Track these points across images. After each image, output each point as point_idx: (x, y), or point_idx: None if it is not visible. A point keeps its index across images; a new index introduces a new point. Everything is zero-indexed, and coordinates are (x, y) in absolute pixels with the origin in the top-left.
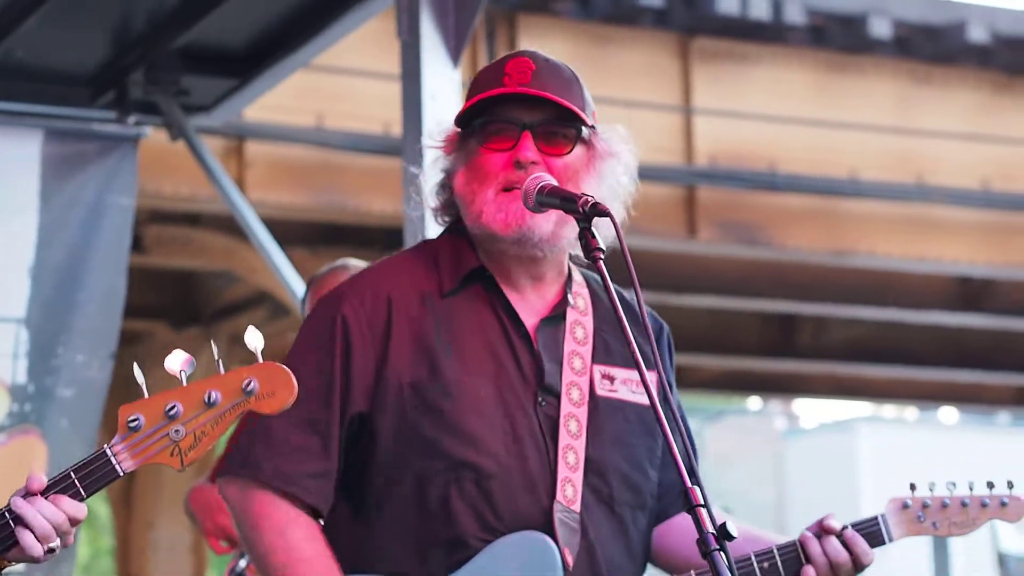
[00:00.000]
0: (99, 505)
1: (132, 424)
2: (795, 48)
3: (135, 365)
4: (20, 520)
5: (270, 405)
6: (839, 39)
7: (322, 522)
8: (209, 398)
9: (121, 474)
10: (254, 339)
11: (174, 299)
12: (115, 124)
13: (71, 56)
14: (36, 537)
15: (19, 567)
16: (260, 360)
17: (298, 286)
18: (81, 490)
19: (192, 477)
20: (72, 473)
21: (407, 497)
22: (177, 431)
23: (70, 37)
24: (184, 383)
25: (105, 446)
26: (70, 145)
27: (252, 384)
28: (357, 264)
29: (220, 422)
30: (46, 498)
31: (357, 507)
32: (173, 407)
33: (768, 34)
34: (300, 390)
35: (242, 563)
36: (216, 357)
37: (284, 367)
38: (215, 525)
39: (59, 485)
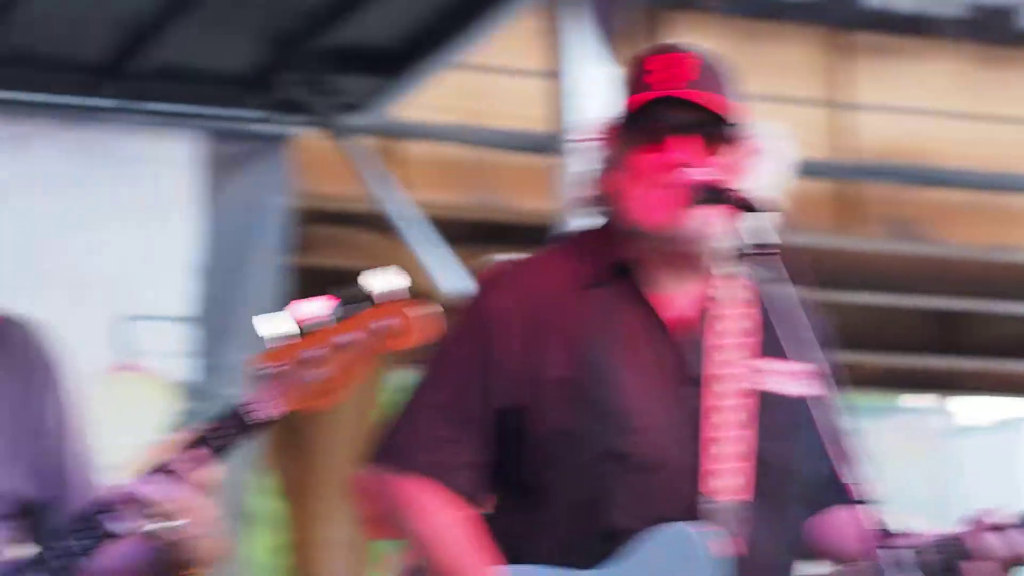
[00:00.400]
0: (271, 502)
1: (266, 373)
2: (947, 41)
3: (255, 319)
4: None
5: (401, 342)
6: (992, 31)
7: (480, 511)
8: (340, 340)
9: (270, 418)
10: (377, 280)
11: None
12: (270, 124)
13: (225, 57)
14: (159, 513)
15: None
16: (385, 301)
17: (455, 285)
18: (215, 447)
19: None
20: (205, 432)
21: (559, 489)
22: (314, 374)
23: (224, 38)
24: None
25: (235, 401)
26: (227, 146)
27: (384, 322)
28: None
29: (357, 362)
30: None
31: (513, 498)
32: (308, 352)
33: (919, 27)
34: (447, 383)
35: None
36: (351, 299)
37: (415, 304)
38: (373, 516)
39: (192, 447)
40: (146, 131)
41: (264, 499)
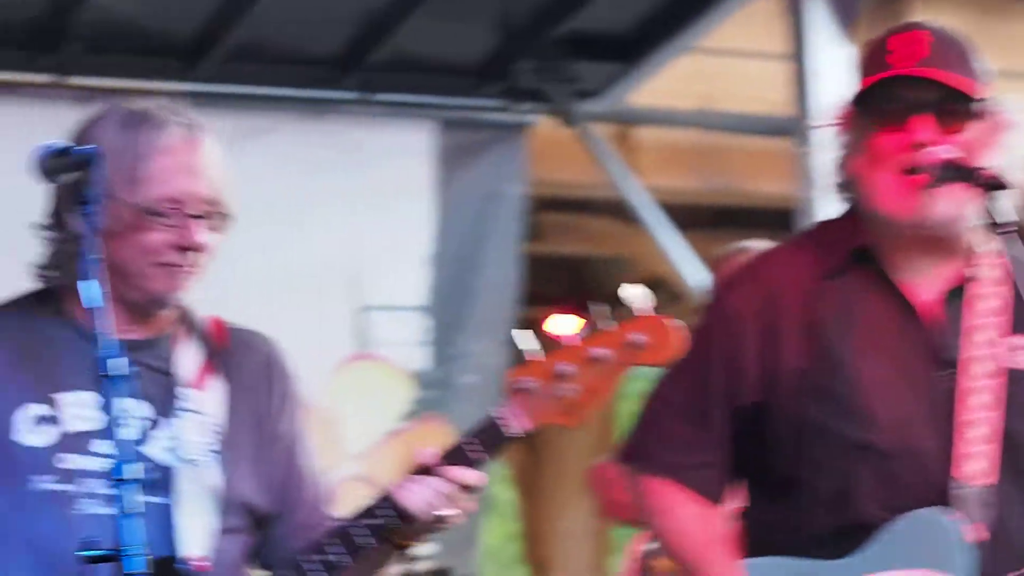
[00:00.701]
0: (505, 491)
1: (522, 386)
2: None
3: (515, 331)
4: (403, 491)
5: (654, 357)
6: None
7: (723, 509)
8: (595, 354)
9: (512, 435)
10: (635, 295)
11: (569, 286)
12: (505, 112)
13: (460, 47)
14: (422, 508)
15: (427, 549)
16: (638, 316)
17: (692, 270)
18: (470, 456)
19: (591, 457)
20: (463, 441)
21: (805, 482)
22: (566, 389)
23: (458, 28)
24: (572, 344)
25: (493, 410)
26: (462, 135)
27: (636, 337)
28: (757, 246)
29: (608, 377)
30: (435, 470)
31: (760, 492)
32: (561, 366)
33: None
34: (688, 383)
35: (649, 547)
36: (602, 316)
37: (666, 320)
38: (611, 502)
39: (451, 454)
40: (383, 122)
41: (498, 487)
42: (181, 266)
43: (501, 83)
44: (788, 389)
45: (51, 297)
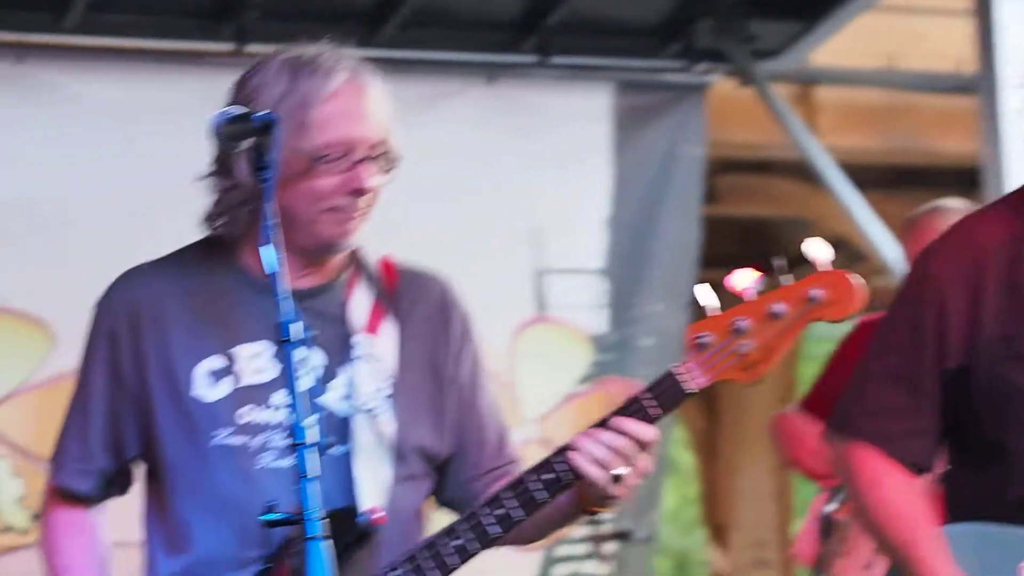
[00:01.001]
0: (683, 453)
1: (700, 341)
2: None
3: (695, 287)
4: (575, 449)
5: (835, 312)
6: None
7: (929, 477)
8: (774, 310)
9: (688, 392)
10: (817, 249)
11: (748, 248)
12: (683, 73)
13: (638, 7)
14: (596, 463)
15: (607, 513)
16: (821, 271)
17: (874, 231)
18: (648, 411)
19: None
20: (640, 396)
21: (1010, 448)
22: (744, 345)
23: None
24: (750, 300)
25: (671, 366)
26: (640, 96)
27: (816, 292)
28: (951, 205)
29: (787, 333)
30: (611, 425)
31: (967, 458)
32: (740, 322)
33: None
34: (897, 349)
35: (830, 507)
36: (780, 271)
37: (848, 274)
38: (792, 457)
39: (627, 409)
40: (560, 85)
41: (677, 450)
42: (350, 211)
43: (679, 44)
44: (992, 353)
45: (223, 247)
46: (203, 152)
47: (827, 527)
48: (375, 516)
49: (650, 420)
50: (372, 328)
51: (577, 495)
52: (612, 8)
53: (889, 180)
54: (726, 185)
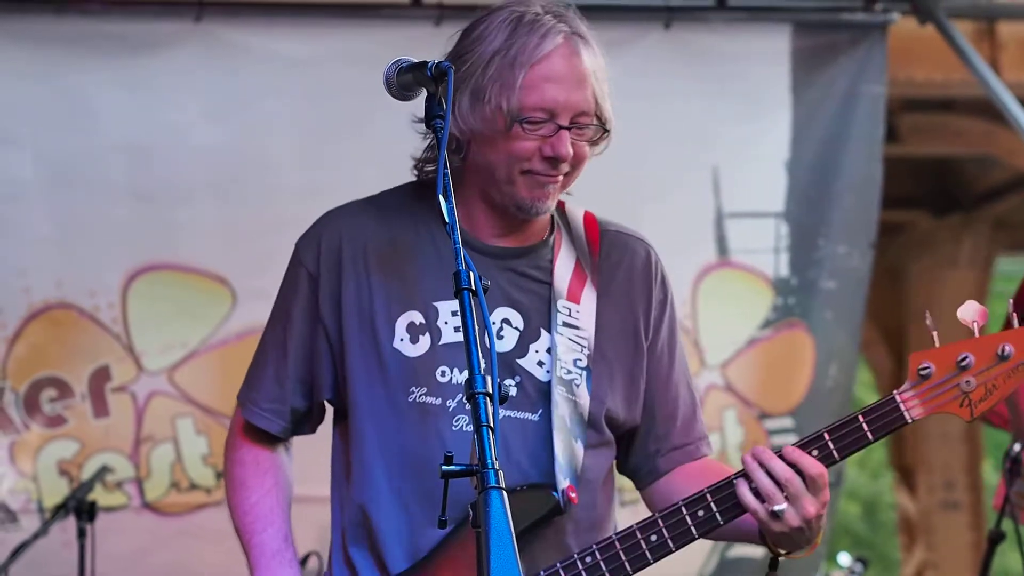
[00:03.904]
0: (870, 396)
1: (923, 372)
2: None
3: (926, 314)
4: (745, 476)
5: None
6: None
7: None
8: (1003, 351)
9: (909, 421)
10: None
11: (932, 187)
12: (863, 12)
13: None
14: (756, 495)
15: None
16: None
17: None
18: (866, 434)
19: None
20: (857, 417)
21: None
22: (968, 382)
23: None
24: (976, 334)
25: (895, 392)
26: (818, 37)
27: None
28: None
29: (1013, 376)
30: (782, 454)
31: None
32: (965, 358)
33: None
34: None
35: (1016, 449)
36: (1014, 320)
37: None
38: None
39: (842, 429)
40: (737, 28)
41: (860, 392)
42: (547, 176)
43: None
44: None
45: (431, 195)
46: (381, 106)
47: (1014, 470)
48: (570, 495)
49: (863, 443)
50: (574, 295)
51: (759, 531)
52: None
53: None
54: (908, 124)
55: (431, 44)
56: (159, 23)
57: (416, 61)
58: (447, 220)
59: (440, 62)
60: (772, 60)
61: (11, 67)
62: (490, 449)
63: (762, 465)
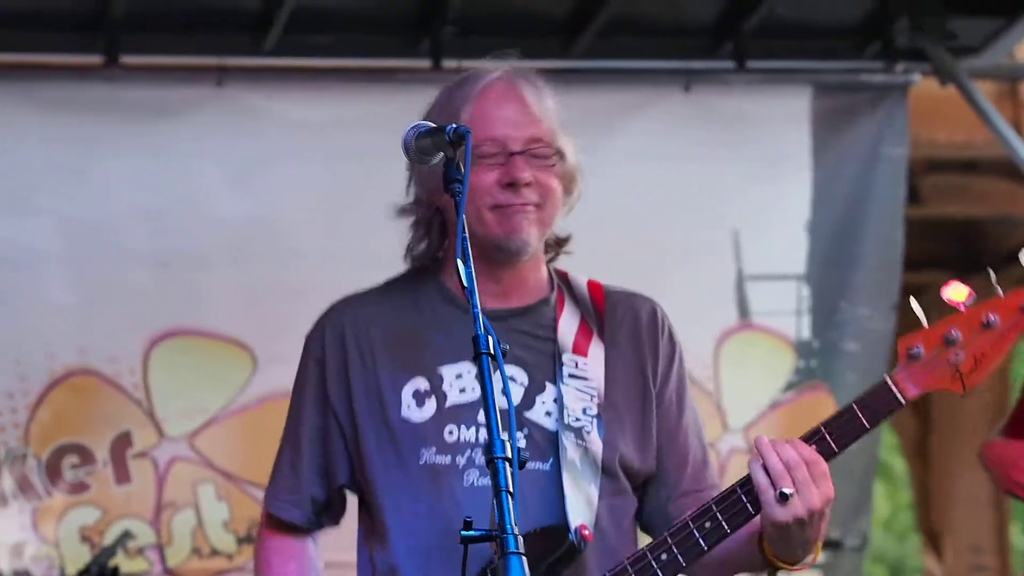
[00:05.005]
0: (895, 459)
1: (912, 353)
2: None
3: (911, 298)
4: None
5: None
6: None
7: None
8: (987, 320)
9: (903, 402)
10: None
11: (955, 248)
12: (883, 74)
13: (834, 9)
14: (769, 476)
15: None
16: None
17: None
18: (861, 420)
19: (987, 427)
20: (854, 404)
21: None
22: (956, 355)
23: None
24: (962, 311)
25: (886, 375)
26: (839, 98)
27: None
28: None
29: (1000, 343)
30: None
31: None
32: (951, 332)
33: None
34: None
35: None
36: (993, 281)
37: None
38: (1010, 481)
39: (840, 418)
40: (758, 89)
41: (889, 455)
42: (513, 205)
43: (878, 44)
44: None
45: (428, 269)
46: (400, 170)
47: None
48: (584, 533)
49: (860, 431)
50: (580, 348)
51: (759, 540)
52: (808, 10)
53: None
54: (931, 185)
55: None
56: (180, 88)
57: (434, 125)
58: (466, 284)
59: (458, 126)
60: (793, 122)
61: (32, 132)
62: (509, 514)
63: (774, 447)
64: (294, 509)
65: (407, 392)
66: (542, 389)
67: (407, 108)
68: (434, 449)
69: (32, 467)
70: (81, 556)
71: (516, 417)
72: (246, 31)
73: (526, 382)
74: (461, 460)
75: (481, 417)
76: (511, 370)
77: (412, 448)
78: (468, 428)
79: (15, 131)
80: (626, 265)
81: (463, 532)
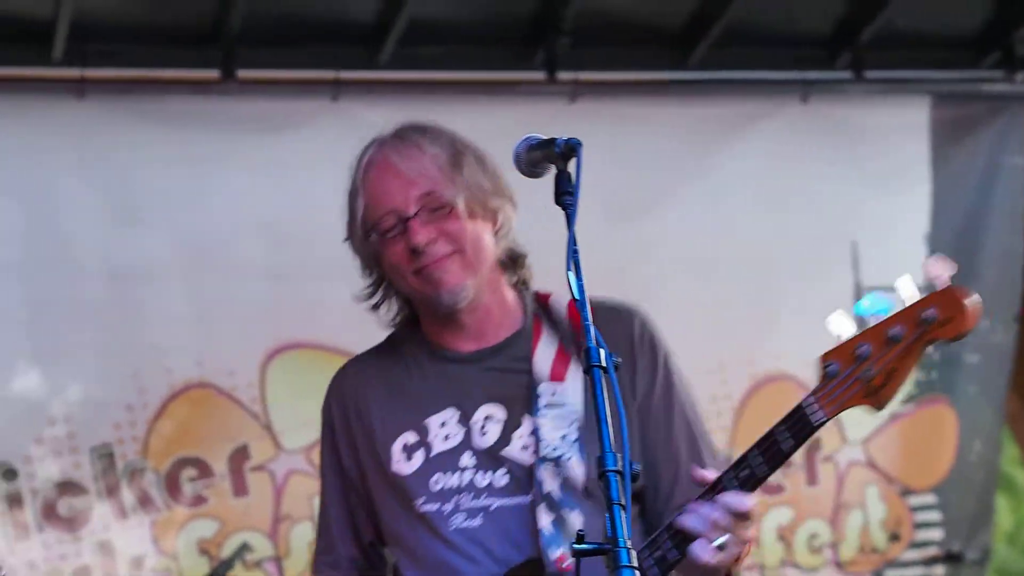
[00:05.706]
0: (1018, 472)
1: (828, 369)
2: None
3: (832, 315)
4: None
5: (949, 331)
6: None
7: None
8: (891, 333)
9: (817, 425)
10: (937, 267)
11: None
12: (1003, 83)
13: (953, 18)
14: (703, 537)
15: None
16: (936, 290)
17: None
18: (780, 446)
19: None
20: (773, 431)
21: None
22: (867, 370)
23: (952, 0)
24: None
25: (802, 399)
26: (958, 108)
27: (929, 312)
28: None
29: (906, 355)
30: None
31: None
32: (861, 347)
33: None
34: None
35: None
36: (900, 293)
37: (960, 290)
38: None
39: (762, 445)
40: (875, 100)
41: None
42: (425, 266)
43: (997, 53)
44: None
45: (412, 322)
46: (514, 182)
47: None
48: (561, 565)
49: (783, 455)
50: (557, 375)
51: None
52: (926, 20)
53: None
54: None
55: (566, 120)
56: (296, 102)
57: (545, 138)
58: (576, 296)
59: (569, 138)
60: (912, 132)
61: (149, 147)
62: (622, 527)
63: (697, 512)
64: (330, 571)
65: (397, 447)
66: (518, 424)
67: (522, 120)
68: (423, 498)
69: (151, 481)
70: (200, 568)
71: (495, 456)
72: (360, 44)
73: (504, 418)
74: (447, 507)
75: (462, 461)
76: (489, 409)
77: (406, 499)
78: (453, 474)
79: (133, 146)
80: (743, 277)
81: (575, 545)
